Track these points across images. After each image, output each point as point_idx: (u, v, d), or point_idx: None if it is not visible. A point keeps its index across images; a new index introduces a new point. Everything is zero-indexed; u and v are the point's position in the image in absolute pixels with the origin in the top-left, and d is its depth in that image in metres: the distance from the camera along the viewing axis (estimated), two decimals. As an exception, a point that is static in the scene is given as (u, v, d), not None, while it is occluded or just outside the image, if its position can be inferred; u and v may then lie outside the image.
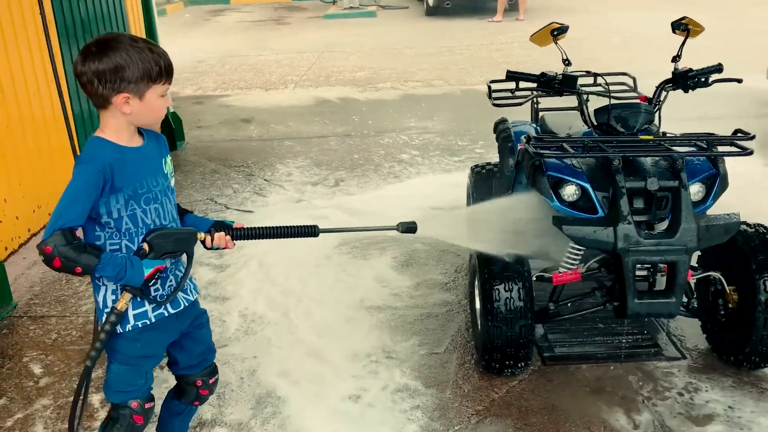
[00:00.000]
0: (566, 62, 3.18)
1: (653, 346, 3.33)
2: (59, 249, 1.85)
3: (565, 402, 2.95)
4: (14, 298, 3.89)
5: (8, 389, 3.16)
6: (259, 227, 2.22)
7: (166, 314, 2.13)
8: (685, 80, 3.12)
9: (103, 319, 2.04)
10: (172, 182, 2.15)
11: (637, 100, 3.19)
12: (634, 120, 3.00)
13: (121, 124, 1.99)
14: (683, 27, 3.15)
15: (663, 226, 2.83)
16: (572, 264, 3.01)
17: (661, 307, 2.78)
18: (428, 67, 10.82)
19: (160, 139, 2.15)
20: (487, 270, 2.95)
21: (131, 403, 2.16)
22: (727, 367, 3.11)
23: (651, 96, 3.16)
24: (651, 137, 2.87)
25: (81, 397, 2.07)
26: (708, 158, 2.93)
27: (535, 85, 3.24)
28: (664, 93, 3.15)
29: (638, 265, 2.77)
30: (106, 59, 1.90)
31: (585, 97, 3.15)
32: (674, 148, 2.81)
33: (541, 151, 2.84)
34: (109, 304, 2.05)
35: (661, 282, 2.85)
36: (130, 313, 2.07)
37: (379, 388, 3.07)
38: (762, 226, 3.04)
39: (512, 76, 3.21)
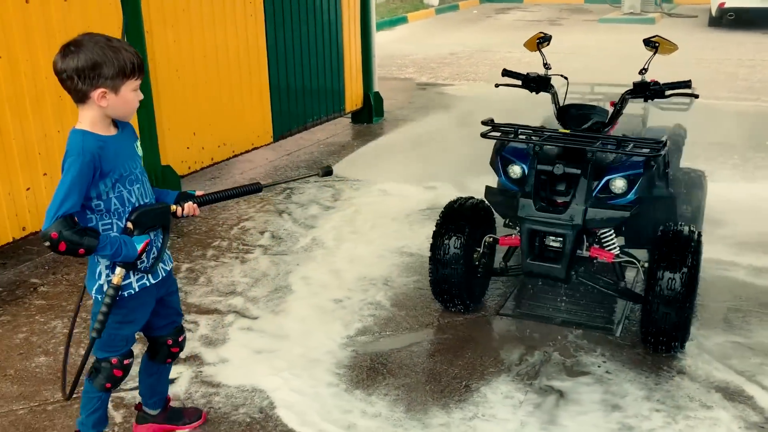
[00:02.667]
0: (546, 66, 3.77)
1: (601, 319, 3.79)
2: (64, 234, 2.11)
3: (483, 337, 3.65)
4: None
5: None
6: (216, 192, 2.57)
7: (148, 284, 2.42)
8: (644, 90, 3.53)
9: (102, 293, 2.34)
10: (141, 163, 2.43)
11: (596, 104, 3.67)
12: (584, 118, 3.54)
13: (98, 116, 2.22)
14: (653, 44, 3.54)
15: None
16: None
17: (549, 270, 3.35)
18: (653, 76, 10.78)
19: (130, 128, 2.41)
20: (438, 223, 3.76)
21: (112, 359, 2.46)
22: (642, 348, 3.49)
23: (617, 102, 3.62)
24: (568, 131, 3.41)
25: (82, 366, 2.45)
26: (638, 161, 3.37)
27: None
28: (626, 100, 3.58)
29: (551, 236, 3.36)
30: (84, 57, 2.13)
31: (556, 95, 3.72)
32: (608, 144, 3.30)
33: (487, 136, 3.55)
34: (103, 278, 2.34)
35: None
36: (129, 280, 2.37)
37: (360, 299, 4.05)
38: (677, 231, 3.37)
39: (506, 73, 3.88)
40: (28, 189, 4.37)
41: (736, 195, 5.49)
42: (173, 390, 3.14)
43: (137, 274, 2.37)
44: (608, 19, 17.60)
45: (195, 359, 3.45)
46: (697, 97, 3.55)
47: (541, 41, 3.78)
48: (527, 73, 3.79)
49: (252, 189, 2.63)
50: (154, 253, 2.41)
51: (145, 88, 5.14)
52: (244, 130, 6.37)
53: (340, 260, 4.57)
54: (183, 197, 2.46)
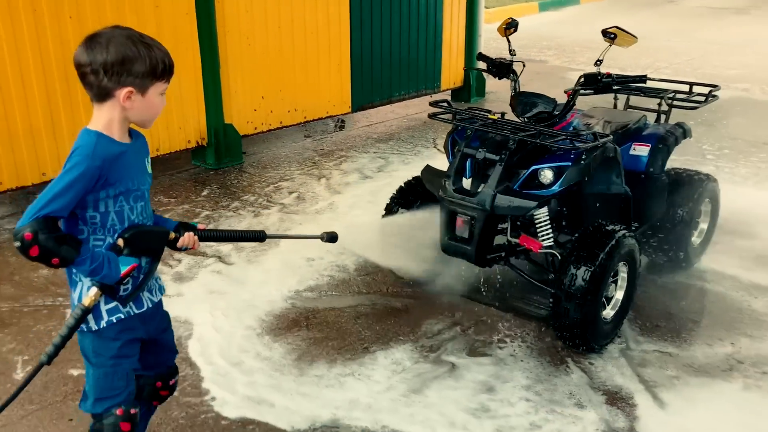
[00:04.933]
0: (512, 53, 3.75)
1: (545, 311, 3.77)
2: (40, 237, 1.80)
3: (417, 310, 3.80)
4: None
5: (185, 196, 5.40)
6: (221, 230, 2.39)
7: (131, 314, 2.10)
8: (595, 83, 3.42)
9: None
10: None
11: (544, 94, 3.60)
12: (528, 107, 3.53)
13: (117, 118, 1.97)
14: (611, 35, 3.41)
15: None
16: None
17: (461, 251, 3.42)
18: None
19: (143, 140, 2.14)
20: (391, 197, 3.93)
21: (116, 410, 2.08)
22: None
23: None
24: (496, 118, 3.41)
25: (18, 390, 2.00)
26: (572, 153, 3.32)
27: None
28: (577, 92, 3.50)
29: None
30: (114, 51, 1.89)
31: (517, 82, 3.71)
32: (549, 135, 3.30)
33: (433, 117, 3.66)
34: (76, 295, 2.03)
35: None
36: (103, 308, 2.04)
37: (330, 261, 4.34)
38: (599, 226, 3.28)
39: (480, 57, 3.90)
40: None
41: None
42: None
43: (118, 303, 2.06)
44: (806, 9, 15.74)
45: (158, 290, 3.97)
46: (644, 80, 3.41)
47: (508, 27, 3.77)
48: (494, 59, 3.80)
49: (256, 236, 2.40)
50: (139, 281, 2.10)
51: (213, 53, 5.75)
52: (318, 98, 6.81)
53: (339, 225, 4.85)
54: (183, 227, 2.18)
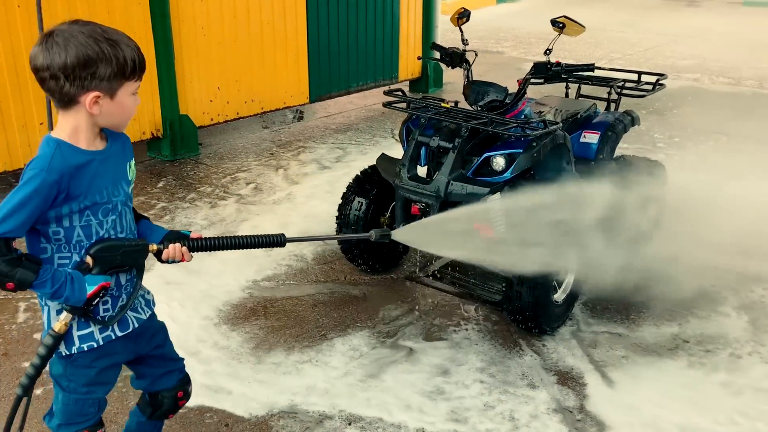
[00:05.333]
0: (465, 42, 3.80)
1: (499, 295, 3.84)
2: None
3: (374, 297, 3.84)
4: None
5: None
6: (219, 237, 2.07)
7: (113, 337, 1.93)
8: (544, 72, 3.50)
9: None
10: (131, 189, 1.96)
11: (497, 83, 3.67)
12: (480, 96, 3.59)
13: (84, 125, 1.77)
14: (560, 25, 3.49)
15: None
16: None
17: (416, 238, 3.47)
18: (766, 66, 10.03)
19: (125, 141, 1.94)
20: (348, 186, 3.96)
21: None
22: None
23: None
24: (449, 107, 3.47)
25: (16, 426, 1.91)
26: (523, 140, 3.39)
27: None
28: (528, 81, 3.57)
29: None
30: (75, 52, 1.67)
31: (470, 71, 3.76)
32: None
33: (388, 105, 3.69)
34: (45, 318, 1.89)
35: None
36: (75, 334, 1.88)
37: (288, 250, 4.35)
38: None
39: (434, 47, 3.95)
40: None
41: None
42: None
43: (98, 325, 1.89)
44: (755, 2, 16.20)
45: (113, 282, 3.93)
46: (592, 69, 3.50)
47: (461, 17, 3.82)
48: (447, 48, 3.85)
49: (272, 241, 2.12)
50: (122, 300, 1.94)
51: (167, 43, 5.69)
52: (276, 88, 6.79)
53: (297, 215, 4.88)
54: (173, 237, 1.99)
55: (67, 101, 1.74)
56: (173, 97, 5.88)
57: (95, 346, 1.91)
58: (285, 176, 5.65)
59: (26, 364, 3.17)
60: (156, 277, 3.99)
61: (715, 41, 12.57)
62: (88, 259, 1.82)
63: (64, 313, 1.83)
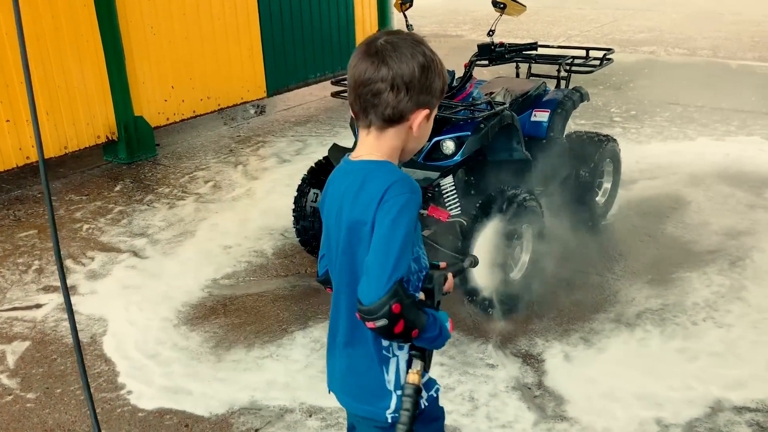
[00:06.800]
0: (409, 27, 3.79)
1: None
2: (405, 306, 1.43)
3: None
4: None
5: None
6: (456, 264, 1.83)
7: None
8: (488, 53, 3.51)
9: (396, 402, 1.59)
10: None
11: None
12: (427, 80, 3.58)
13: (398, 147, 1.55)
14: (500, 5, 3.50)
15: None
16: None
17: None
18: (723, 35, 10.17)
19: None
20: (303, 178, 3.94)
21: None
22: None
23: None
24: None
25: None
26: (471, 123, 3.40)
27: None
28: (473, 63, 3.58)
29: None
30: (416, 62, 1.48)
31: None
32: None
33: (335, 95, 3.68)
34: (403, 381, 1.56)
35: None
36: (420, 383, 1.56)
37: (248, 247, 4.34)
38: (500, 192, 3.38)
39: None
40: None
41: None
42: (38, 313, 3.61)
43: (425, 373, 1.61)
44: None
45: (70, 290, 3.89)
46: (535, 48, 3.52)
47: (404, 2, 3.81)
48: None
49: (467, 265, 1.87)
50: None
51: (116, 44, 5.61)
52: (231, 84, 6.73)
53: (256, 211, 4.86)
54: (433, 268, 1.72)
55: (396, 118, 1.51)
56: (126, 99, 5.80)
57: (439, 388, 1.69)
58: (244, 172, 5.61)
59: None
60: (113, 281, 3.95)
61: (670, 13, 12.72)
62: (421, 294, 1.60)
63: (417, 362, 1.55)
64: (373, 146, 1.54)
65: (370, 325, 1.44)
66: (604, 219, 4.45)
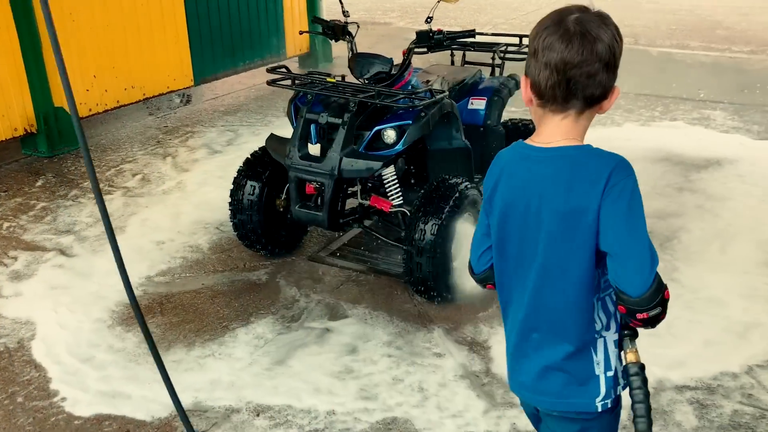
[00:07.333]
0: (345, 14, 3.74)
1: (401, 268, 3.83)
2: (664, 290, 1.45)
3: (274, 281, 3.75)
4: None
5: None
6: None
7: None
8: (427, 41, 3.49)
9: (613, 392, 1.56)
10: None
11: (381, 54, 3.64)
12: (366, 68, 3.53)
13: (586, 130, 1.51)
14: (437, -8, 3.48)
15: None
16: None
17: (313, 217, 3.41)
18: (642, 23, 10.47)
19: None
20: (238, 170, 3.83)
21: None
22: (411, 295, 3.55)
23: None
24: (335, 81, 3.41)
25: None
26: (412, 111, 3.36)
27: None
28: (412, 51, 3.55)
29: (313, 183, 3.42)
30: (615, 37, 1.43)
31: (353, 44, 3.70)
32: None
33: (272, 83, 3.58)
34: (613, 362, 1.54)
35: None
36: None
37: (182, 242, 4.20)
38: (442, 180, 3.37)
39: (315, 20, 3.86)
40: None
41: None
42: (-47, 319, 3.37)
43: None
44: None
45: (-8, 292, 3.67)
46: (473, 35, 3.52)
47: (337, -12, 3.74)
48: (329, 21, 3.77)
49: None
50: None
51: (32, 32, 5.31)
52: (157, 73, 6.49)
53: (188, 204, 4.70)
54: None
55: (599, 98, 1.45)
56: (45, 90, 5.51)
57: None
58: (174, 164, 5.43)
59: None
60: (39, 282, 3.75)
61: (592, 1, 13.02)
62: None
63: (633, 341, 1.52)
64: (571, 130, 1.48)
65: (641, 316, 1.42)
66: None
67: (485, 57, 4.45)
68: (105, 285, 3.72)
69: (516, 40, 4.36)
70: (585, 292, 1.49)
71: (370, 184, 3.66)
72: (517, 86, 4.26)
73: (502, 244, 1.58)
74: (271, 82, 3.58)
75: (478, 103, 4.03)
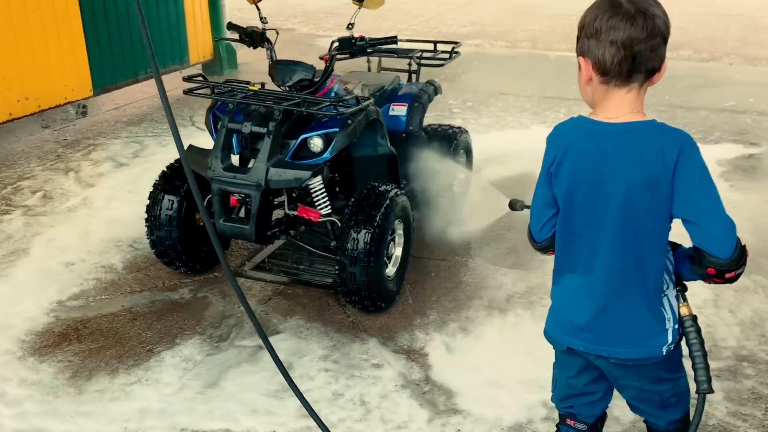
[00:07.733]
0: (263, 20, 3.64)
1: (330, 278, 3.75)
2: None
3: (198, 300, 3.59)
4: None
5: None
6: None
7: None
8: (350, 47, 3.45)
9: (672, 333, 1.77)
10: None
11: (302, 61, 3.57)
12: (288, 75, 3.43)
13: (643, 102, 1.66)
14: (359, -2, 3.44)
15: None
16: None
17: (239, 231, 3.29)
18: (539, 28, 10.79)
19: None
20: (154, 184, 3.64)
21: None
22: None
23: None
24: (257, 89, 3.31)
25: None
26: (338, 119, 3.29)
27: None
28: (334, 57, 3.50)
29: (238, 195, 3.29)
30: (664, 13, 1.60)
31: (272, 50, 3.61)
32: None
33: (189, 93, 3.43)
34: (675, 314, 1.78)
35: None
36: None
37: (93, 262, 3.95)
38: (371, 188, 3.33)
39: (230, 26, 3.74)
40: None
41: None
42: None
43: None
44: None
45: None
46: (395, 41, 3.50)
47: (255, -5, 3.63)
48: (246, 27, 3.65)
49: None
50: None
51: None
52: (53, 83, 6.11)
53: (98, 222, 4.44)
54: None
55: (655, 70, 1.62)
56: (-73, 103, 5.08)
57: None
58: (77, 179, 5.12)
59: None
60: (-65, 313, 3.43)
61: (489, 7, 13.38)
62: None
63: (684, 295, 1.78)
64: (635, 104, 1.63)
65: (729, 275, 1.63)
66: (461, 207, 4.54)
67: (400, 63, 4.45)
68: (11, 313, 3.45)
69: (431, 47, 4.39)
70: (657, 255, 1.69)
71: (295, 194, 3.57)
72: (437, 92, 4.29)
73: (569, 213, 1.73)
74: (188, 91, 3.42)
75: (399, 109, 4.02)
